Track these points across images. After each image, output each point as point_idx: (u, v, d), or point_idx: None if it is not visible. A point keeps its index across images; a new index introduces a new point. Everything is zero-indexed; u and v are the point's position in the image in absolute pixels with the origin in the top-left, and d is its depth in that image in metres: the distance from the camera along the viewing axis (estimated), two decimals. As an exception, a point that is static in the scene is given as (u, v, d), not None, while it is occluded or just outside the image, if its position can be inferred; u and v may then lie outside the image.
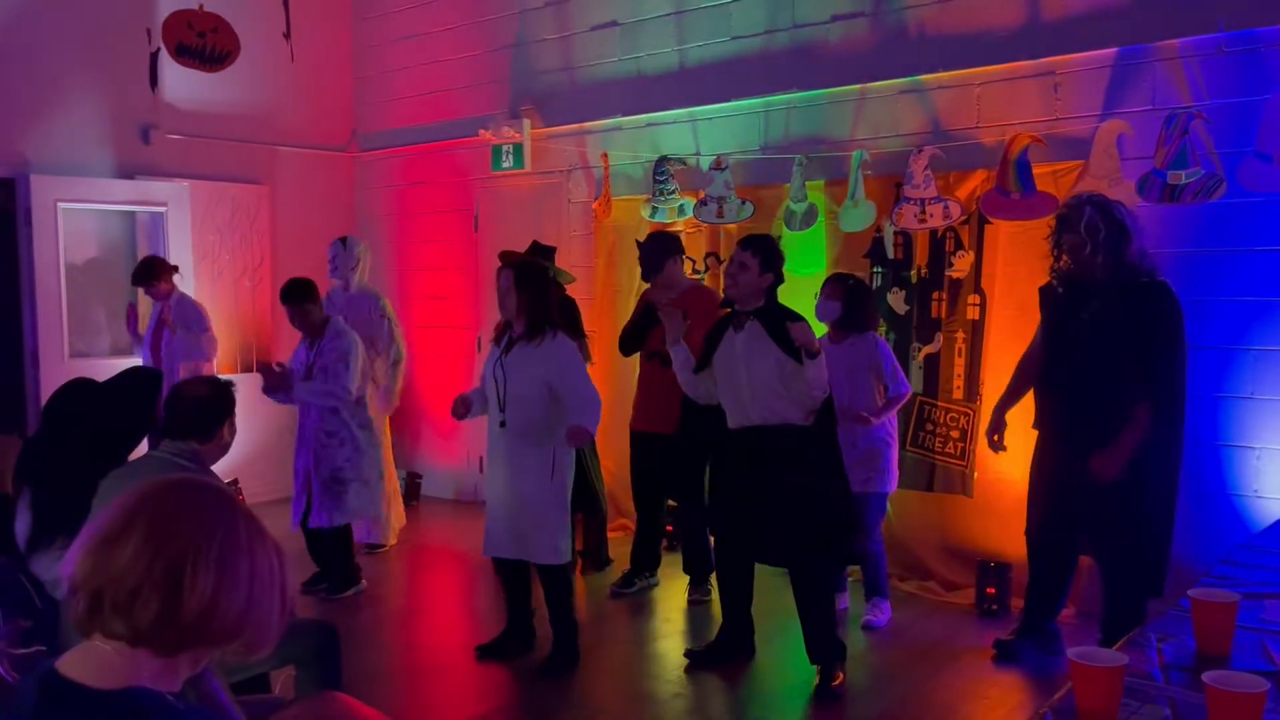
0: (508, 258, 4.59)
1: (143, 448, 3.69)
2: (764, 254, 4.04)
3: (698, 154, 6.13)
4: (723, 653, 4.36)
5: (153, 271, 6.16)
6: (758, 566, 4.34)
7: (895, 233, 5.29)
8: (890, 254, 5.35)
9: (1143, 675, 1.97)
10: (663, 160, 6.01)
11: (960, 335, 5.14)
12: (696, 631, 4.80)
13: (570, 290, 5.69)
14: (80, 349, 6.62)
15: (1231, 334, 4.48)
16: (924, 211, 5.03)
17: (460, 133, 7.23)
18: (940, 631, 4.69)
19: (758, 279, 4.03)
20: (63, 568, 1.35)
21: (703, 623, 4.89)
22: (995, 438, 4.31)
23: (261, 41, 7.39)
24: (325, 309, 5.39)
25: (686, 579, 5.29)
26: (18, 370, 6.51)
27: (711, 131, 6.13)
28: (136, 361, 6.20)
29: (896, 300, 5.34)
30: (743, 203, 5.72)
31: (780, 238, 5.23)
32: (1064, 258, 4.05)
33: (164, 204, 6.91)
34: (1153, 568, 3.91)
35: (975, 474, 5.08)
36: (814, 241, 5.58)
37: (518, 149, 6.87)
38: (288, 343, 6.36)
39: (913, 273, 5.29)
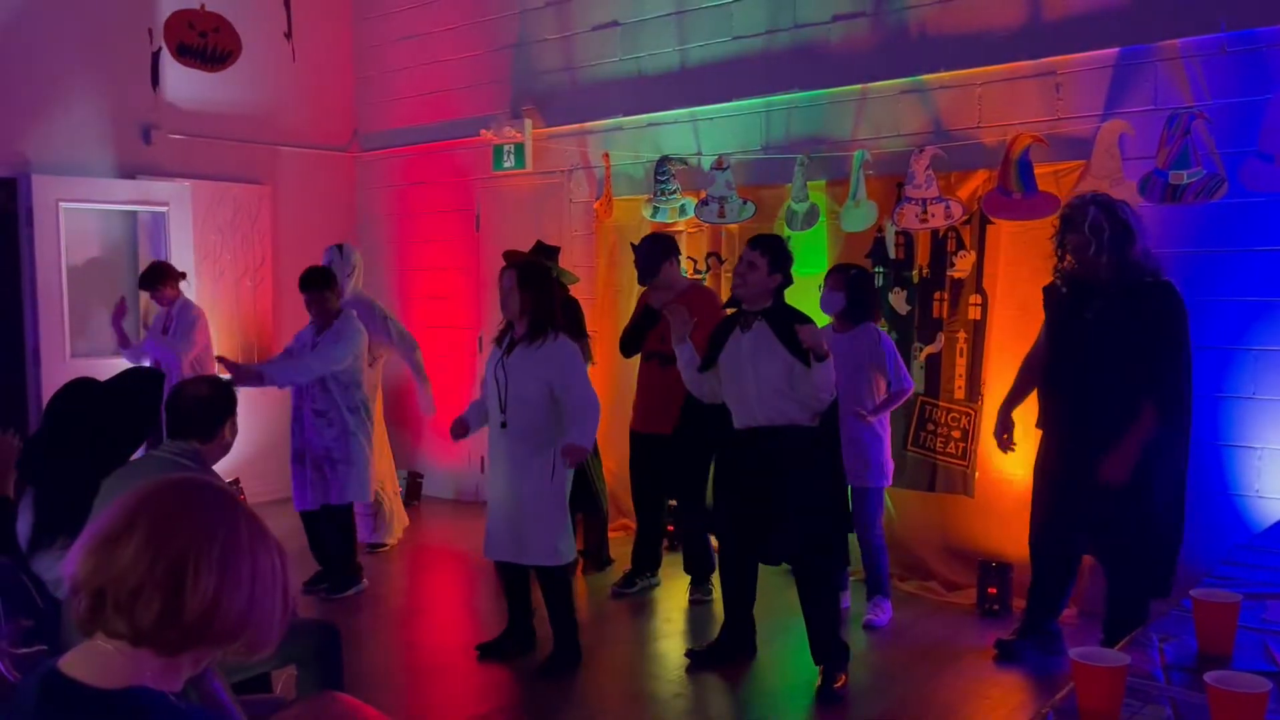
0: (511, 257, 4.58)
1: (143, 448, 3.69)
2: (773, 254, 4.03)
3: (699, 154, 6.13)
4: (724, 653, 4.36)
5: (159, 276, 6.17)
6: (760, 566, 4.33)
7: (897, 233, 5.29)
8: (892, 254, 5.35)
9: (1145, 675, 1.97)
10: (664, 160, 6.01)
11: (962, 335, 5.14)
12: (697, 631, 4.80)
13: (571, 290, 5.69)
14: (82, 349, 6.62)
15: (1233, 334, 4.47)
16: (925, 211, 5.03)
17: (461, 133, 7.23)
18: (941, 631, 4.69)
19: (766, 279, 4.03)
20: (64, 567, 1.35)
21: (704, 623, 4.89)
22: (1005, 437, 4.30)
23: (263, 41, 7.39)
24: None
25: (688, 579, 5.29)
26: (19, 370, 6.51)
27: (713, 131, 6.13)
28: (143, 363, 6.20)
29: (898, 300, 5.33)
30: (744, 203, 5.71)
31: (789, 239, 5.23)
32: (1068, 257, 4.04)
33: (165, 204, 6.92)
34: (1159, 568, 3.91)
35: (976, 474, 5.08)
36: (815, 242, 5.58)
37: (519, 149, 6.86)
38: (288, 342, 6.34)
39: (914, 273, 5.29)
